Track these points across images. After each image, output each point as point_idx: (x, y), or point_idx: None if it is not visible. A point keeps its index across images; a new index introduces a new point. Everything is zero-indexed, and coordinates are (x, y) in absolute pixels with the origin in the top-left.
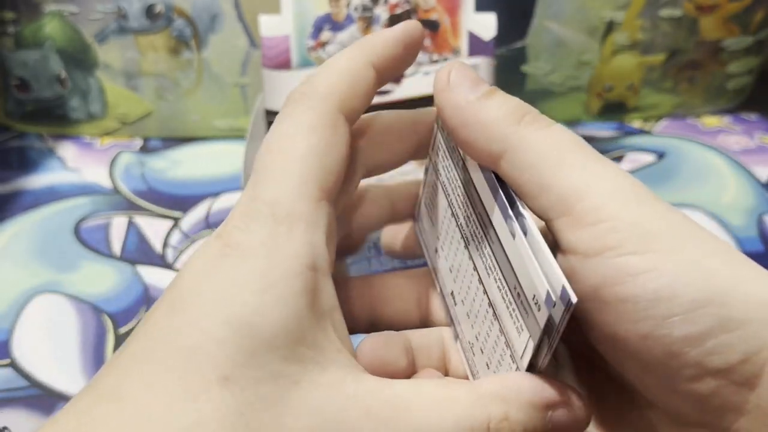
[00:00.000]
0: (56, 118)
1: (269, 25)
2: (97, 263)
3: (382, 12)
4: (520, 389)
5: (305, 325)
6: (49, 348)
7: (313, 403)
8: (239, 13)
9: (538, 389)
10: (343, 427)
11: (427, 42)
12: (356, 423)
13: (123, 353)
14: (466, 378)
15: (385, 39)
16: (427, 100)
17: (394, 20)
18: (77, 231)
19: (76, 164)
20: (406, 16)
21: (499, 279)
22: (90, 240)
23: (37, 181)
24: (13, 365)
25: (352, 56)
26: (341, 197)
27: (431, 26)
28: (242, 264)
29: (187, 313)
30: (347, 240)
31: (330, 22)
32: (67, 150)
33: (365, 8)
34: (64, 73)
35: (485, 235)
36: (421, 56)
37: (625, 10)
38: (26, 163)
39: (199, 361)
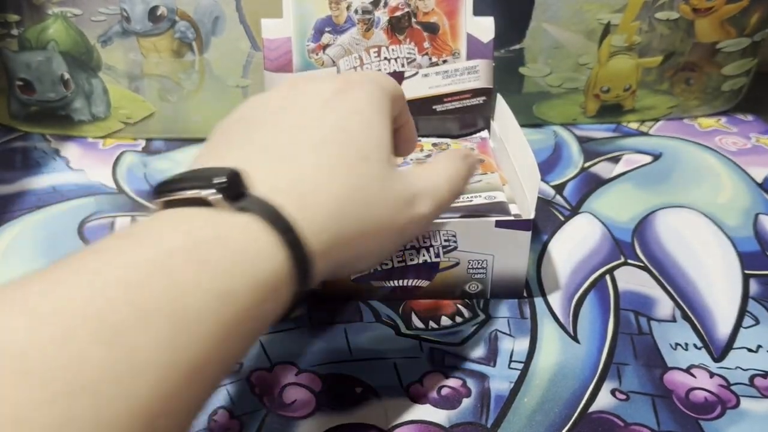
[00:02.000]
0: (60, 119)
1: (271, 28)
2: None
3: (382, 15)
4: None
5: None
6: None
7: (401, 178)
8: (241, 15)
9: None
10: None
11: (427, 44)
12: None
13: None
14: None
15: None
16: (426, 101)
17: (393, 23)
18: (81, 231)
19: (80, 165)
20: (405, 18)
21: None
22: (94, 240)
23: (41, 181)
24: None
25: None
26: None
27: (430, 29)
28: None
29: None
30: None
31: (331, 25)
32: (70, 151)
33: (365, 11)
34: (67, 75)
35: None
36: (420, 58)
37: (622, 12)
38: (30, 163)
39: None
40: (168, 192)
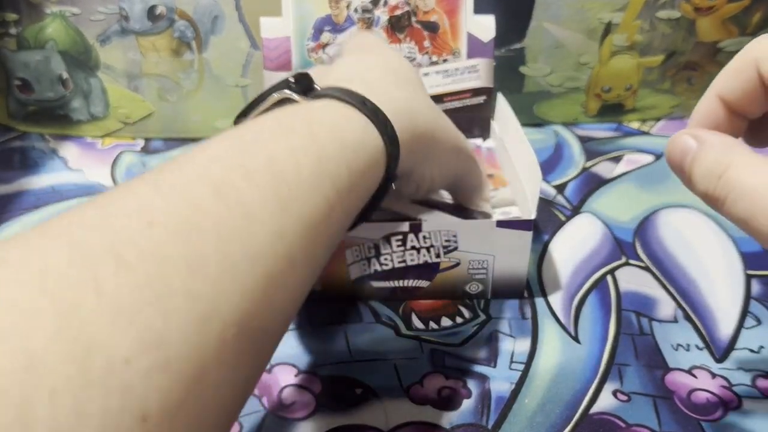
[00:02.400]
0: (58, 118)
1: (270, 27)
2: None
3: (381, 14)
4: None
5: None
6: None
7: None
8: (240, 14)
9: None
10: None
11: (427, 43)
12: None
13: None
14: None
15: None
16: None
17: (393, 22)
18: None
19: (78, 164)
20: (405, 17)
21: None
22: None
23: (40, 181)
24: None
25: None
26: None
27: (431, 28)
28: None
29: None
30: None
31: (330, 24)
32: (69, 150)
33: (365, 10)
34: (66, 74)
35: None
36: (420, 57)
37: (623, 11)
38: (28, 163)
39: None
40: (251, 109)
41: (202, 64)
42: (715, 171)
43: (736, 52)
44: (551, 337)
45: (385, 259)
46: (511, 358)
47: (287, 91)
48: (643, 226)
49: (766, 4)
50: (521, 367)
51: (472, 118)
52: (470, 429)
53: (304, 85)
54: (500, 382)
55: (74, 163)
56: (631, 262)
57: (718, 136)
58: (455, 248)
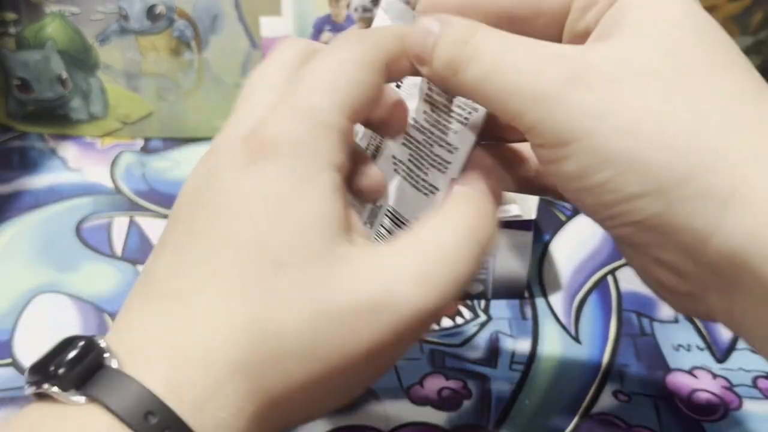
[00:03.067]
0: (57, 118)
1: (270, 26)
2: (99, 263)
3: None
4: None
5: (342, 215)
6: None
7: (355, 271)
8: (240, 14)
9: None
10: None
11: None
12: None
13: (172, 261)
14: None
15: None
16: None
17: None
18: (78, 231)
19: (78, 164)
20: None
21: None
22: (91, 240)
23: (39, 181)
24: (15, 365)
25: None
26: None
27: None
28: (279, 162)
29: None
30: None
31: (330, 23)
32: (68, 150)
33: (365, 9)
34: (65, 74)
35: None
36: None
37: None
38: (27, 163)
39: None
40: (56, 355)
41: (202, 64)
42: (461, 38)
43: None
44: (552, 337)
45: None
46: (512, 358)
47: (46, 386)
48: None
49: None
50: (522, 367)
51: None
52: (471, 430)
53: (82, 370)
54: (501, 382)
55: (73, 162)
56: None
57: (464, 19)
58: None
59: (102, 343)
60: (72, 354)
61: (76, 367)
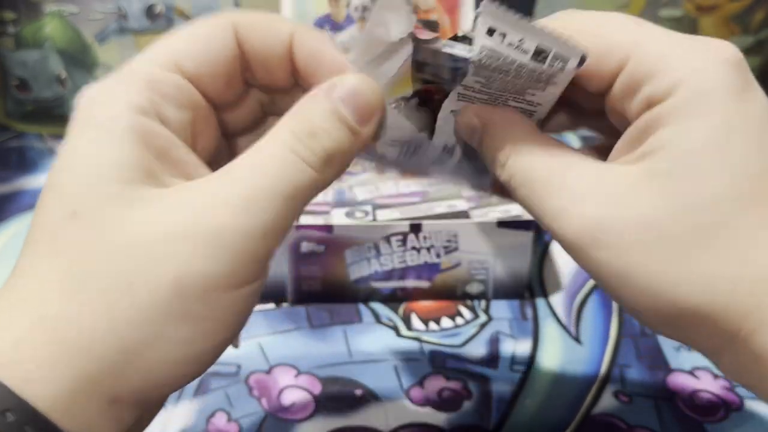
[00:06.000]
0: (56, 118)
1: None
2: None
3: None
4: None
5: (142, 156)
6: None
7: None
8: None
9: None
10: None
11: None
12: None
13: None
14: None
15: None
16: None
17: None
18: None
19: None
20: None
21: None
22: None
23: (37, 181)
24: None
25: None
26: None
27: (431, 26)
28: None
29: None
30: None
31: (330, 23)
32: None
33: (365, 9)
34: (64, 73)
35: None
36: None
37: (625, 10)
38: (26, 163)
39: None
40: None
41: None
42: (499, 161)
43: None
44: (552, 337)
45: (385, 259)
46: (512, 359)
47: None
48: None
49: None
50: (522, 368)
51: None
52: (471, 430)
53: None
54: (501, 383)
55: None
56: None
57: (500, 112)
58: (456, 248)
59: None
60: None
61: None
